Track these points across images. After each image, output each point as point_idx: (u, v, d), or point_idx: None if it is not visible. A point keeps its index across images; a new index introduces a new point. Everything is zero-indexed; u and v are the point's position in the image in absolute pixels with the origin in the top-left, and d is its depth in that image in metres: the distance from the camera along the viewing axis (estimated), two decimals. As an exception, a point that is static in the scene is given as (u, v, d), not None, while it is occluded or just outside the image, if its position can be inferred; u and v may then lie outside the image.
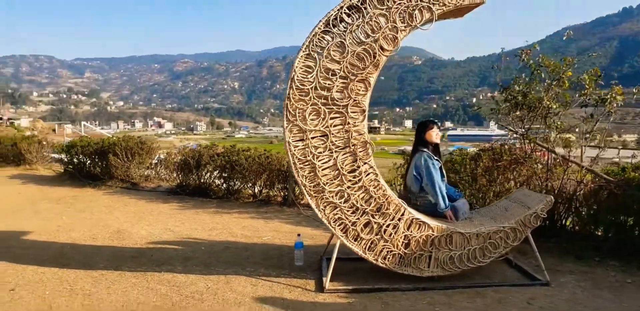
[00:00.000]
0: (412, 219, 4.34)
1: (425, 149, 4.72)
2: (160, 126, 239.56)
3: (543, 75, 5.78)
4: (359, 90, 4.20)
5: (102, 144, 10.54)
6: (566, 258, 5.16)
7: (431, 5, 4.17)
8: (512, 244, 4.45)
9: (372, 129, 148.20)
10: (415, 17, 4.15)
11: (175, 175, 9.66)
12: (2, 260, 5.29)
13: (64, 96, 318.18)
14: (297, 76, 4.16)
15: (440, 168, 4.77)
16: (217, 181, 8.79)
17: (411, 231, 4.34)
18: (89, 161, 10.83)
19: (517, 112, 5.75)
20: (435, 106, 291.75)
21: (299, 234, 5.18)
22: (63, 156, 11.91)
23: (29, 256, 5.42)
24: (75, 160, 11.32)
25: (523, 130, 5.73)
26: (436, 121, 5.00)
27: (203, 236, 6.20)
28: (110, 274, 4.81)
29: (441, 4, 4.19)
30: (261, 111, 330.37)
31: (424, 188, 4.68)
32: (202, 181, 8.92)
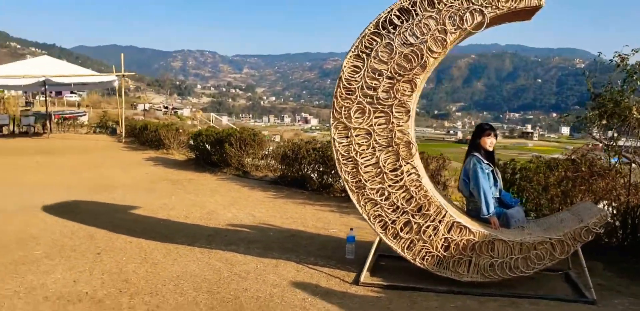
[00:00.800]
0: (454, 222, 4.33)
1: (476, 154, 4.66)
2: (306, 121, 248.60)
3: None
4: (405, 90, 4.29)
5: (221, 134, 11.46)
6: (638, 280, 4.77)
7: (483, 8, 4.12)
8: (559, 257, 4.25)
9: (524, 134, 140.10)
10: (466, 20, 4.14)
11: (280, 166, 10.24)
12: (103, 228, 6.12)
13: (224, 89, 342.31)
14: (345, 75, 4.35)
15: (494, 174, 4.68)
16: (314, 175, 9.19)
17: (451, 235, 4.34)
18: (211, 149, 11.82)
19: (604, 121, 5.38)
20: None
21: (351, 229, 5.36)
22: (192, 142, 13.12)
23: (125, 227, 6.21)
24: (200, 147, 12.41)
25: (607, 141, 5.36)
26: (494, 127, 4.88)
27: (277, 223, 6.62)
28: (182, 248, 5.38)
29: (494, 6, 4.13)
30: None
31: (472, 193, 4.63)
32: (300, 173, 9.38)
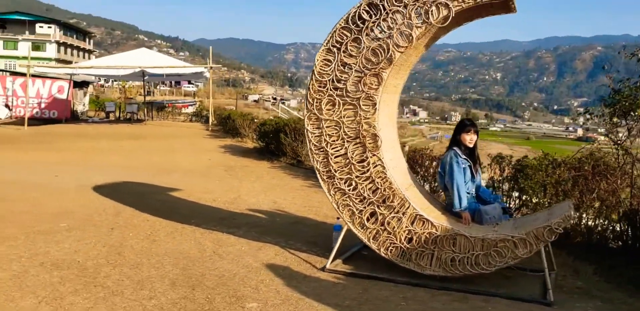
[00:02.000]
0: (416, 215, 4.38)
1: (455, 148, 4.64)
2: (415, 114, 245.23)
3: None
4: (372, 84, 4.38)
5: (279, 124, 11.91)
6: (622, 287, 4.53)
7: (448, 2, 4.11)
8: (521, 256, 4.16)
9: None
10: (432, 14, 4.14)
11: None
12: (134, 207, 6.74)
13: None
14: (317, 69, 4.52)
15: (470, 169, 4.64)
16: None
17: (414, 227, 4.39)
18: (270, 139, 12.33)
19: (615, 119, 5.10)
20: None
21: (338, 218, 5.51)
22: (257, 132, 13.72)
23: (154, 207, 6.78)
24: (263, 136, 12.97)
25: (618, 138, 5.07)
26: (475, 123, 4.81)
27: (292, 210, 6.90)
28: (188, 228, 5.83)
29: (459, 0, 4.10)
30: (523, 104, 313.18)
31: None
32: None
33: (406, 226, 4.40)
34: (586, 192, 5.04)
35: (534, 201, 5.36)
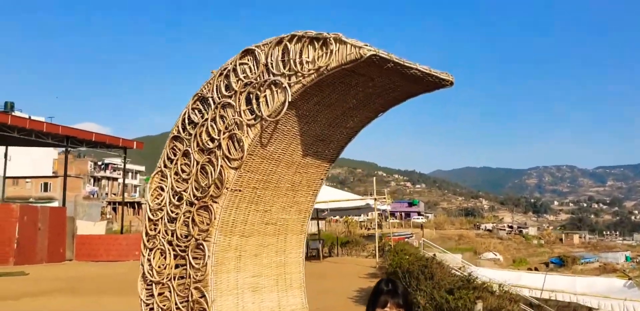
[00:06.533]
0: None
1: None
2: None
3: None
4: (202, 222, 2.66)
5: (393, 266, 9.84)
6: None
7: (282, 79, 2.39)
8: None
9: None
10: (262, 102, 2.45)
11: None
12: None
13: (584, 204, 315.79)
14: (150, 203, 2.98)
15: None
16: None
17: None
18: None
19: None
20: None
21: None
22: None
23: None
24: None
25: None
26: (398, 288, 2.61)
27: None
28: None
29: (299, 75, 2.37)
30: None
31: None
32: None
33: None
34: None
35: None
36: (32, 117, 31.49)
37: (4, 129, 19.60)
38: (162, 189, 3.02)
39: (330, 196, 19.06)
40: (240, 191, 2.64)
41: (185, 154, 2.90)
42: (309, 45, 2.40)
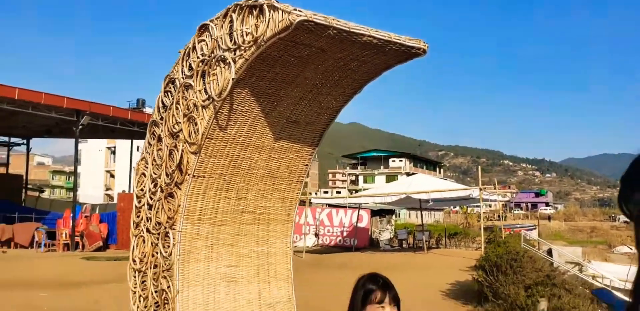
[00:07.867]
0: None
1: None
2: None
3: None
4: (169, 212, 2.56)
5: (487, 257, 9.21)
6: None
7: (226, 54, 2.21)
8: None
9: None
10: (211, 81, 2.28)
11: None
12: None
13: None
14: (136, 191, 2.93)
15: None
16: None
17: None
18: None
19: None
20: None
21: None
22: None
23: None
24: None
25: None
26: (388, 285, 2.34)
27: None
28: None
29: (241, 49, 2.17)
30: None
31: None
32: None
33: None
34: None
35: None
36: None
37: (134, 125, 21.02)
38: (145, 176, 2.97)
39: (431, 186, 18.45)
40: (204, 177, 2.49)
41: (160, 140, 2.82)
42: (249, 15, 2.18)
